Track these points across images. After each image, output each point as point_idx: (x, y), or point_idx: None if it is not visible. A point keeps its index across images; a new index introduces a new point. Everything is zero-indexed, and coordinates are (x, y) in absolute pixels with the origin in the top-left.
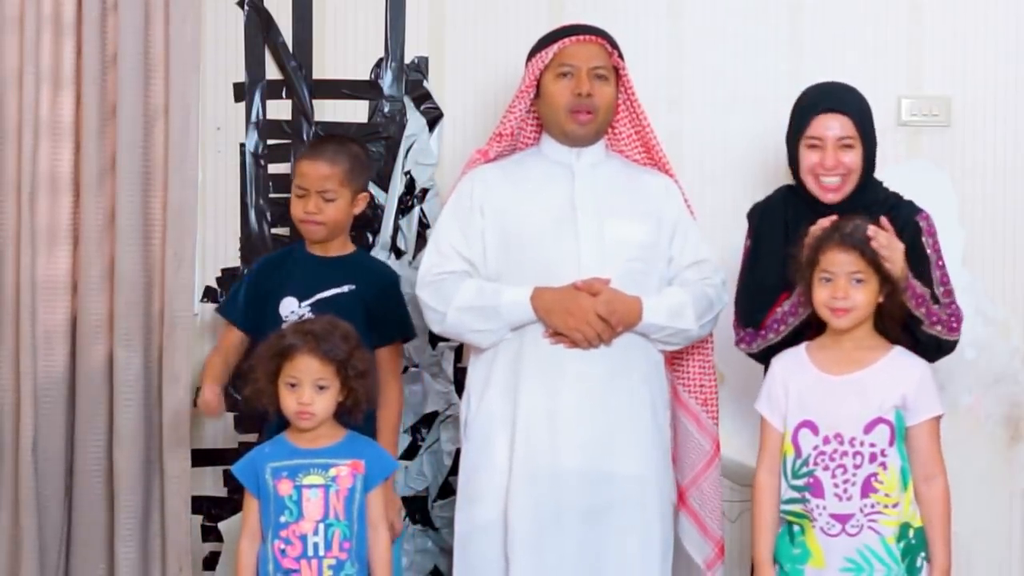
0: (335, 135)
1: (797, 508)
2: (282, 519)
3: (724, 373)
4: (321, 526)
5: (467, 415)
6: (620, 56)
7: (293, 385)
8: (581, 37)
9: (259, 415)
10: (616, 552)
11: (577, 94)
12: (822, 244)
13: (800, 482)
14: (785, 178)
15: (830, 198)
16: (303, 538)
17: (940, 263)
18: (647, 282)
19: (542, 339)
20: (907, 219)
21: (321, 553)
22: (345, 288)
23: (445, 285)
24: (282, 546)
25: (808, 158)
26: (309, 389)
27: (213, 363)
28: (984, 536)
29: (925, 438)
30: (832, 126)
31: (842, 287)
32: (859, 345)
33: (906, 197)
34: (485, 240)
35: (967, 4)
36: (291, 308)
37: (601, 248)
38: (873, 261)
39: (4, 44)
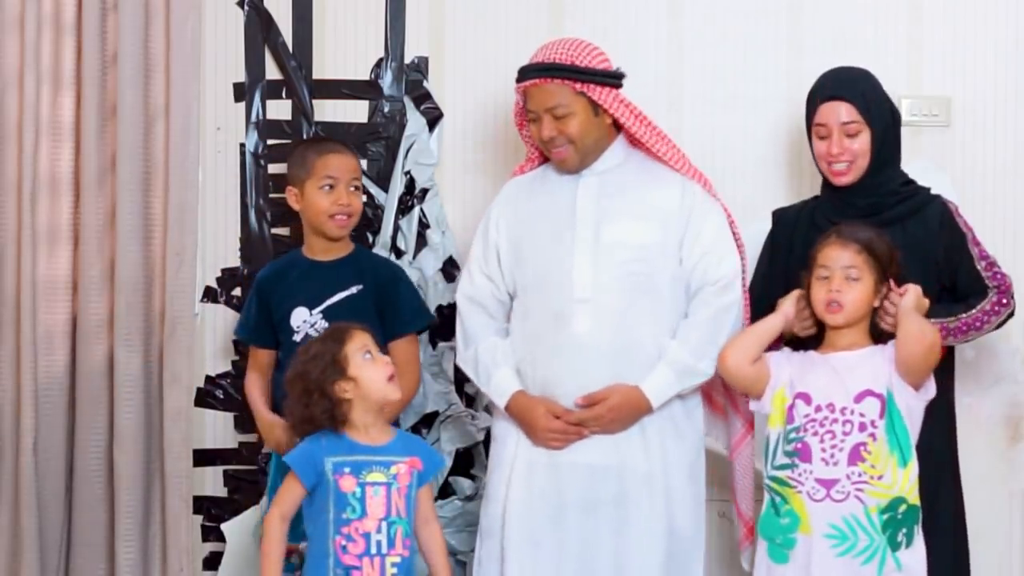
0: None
1: (783, 475)
2: (344, 515)
3: None
4: (384, 524)
5: (494, 415)
6: (592, 80)
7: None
8: (535, 81)
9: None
10: (614, 546)
11: (543, 141)
12: (821, 244)
13: (790, 447)
14: (786, 177)
15: (841, 181)
16: (366, 536)
17: (976, 239)
18: (651, 284)
19: (554, 342)
20: (934, 205)
21: (384, 551)
22: (353, 289)
23: (471, 324)
24: (343, 542)
25: (818, 147)
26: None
27: (255, 397)
28: (984, 536)
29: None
30: (834, 114)
31: (836, 281)
32: (854, 342)
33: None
34: (499, 253)
35: (967, 4)
36: (303, 318)
37: (595, 255)
38: (870, 258)
39: (4, 44)
